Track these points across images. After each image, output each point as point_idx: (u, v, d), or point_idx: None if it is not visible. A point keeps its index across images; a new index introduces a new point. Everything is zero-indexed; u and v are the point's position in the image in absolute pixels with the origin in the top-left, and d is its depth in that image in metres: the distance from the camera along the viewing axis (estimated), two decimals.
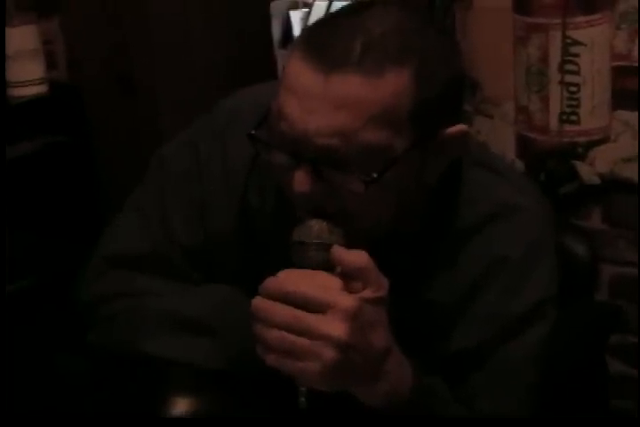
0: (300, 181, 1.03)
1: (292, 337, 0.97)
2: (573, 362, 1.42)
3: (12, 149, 2.21)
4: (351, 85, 1.00)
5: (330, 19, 1.08)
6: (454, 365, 1.14)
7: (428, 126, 1.04)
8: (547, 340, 1.16)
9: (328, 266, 1.01)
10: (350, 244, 1.03)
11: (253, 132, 1.08)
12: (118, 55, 2.41)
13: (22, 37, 2.27)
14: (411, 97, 1.02)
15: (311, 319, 0.97)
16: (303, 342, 0.96)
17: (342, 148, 1.01)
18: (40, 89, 2.30)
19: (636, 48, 2.15)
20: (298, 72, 1.02)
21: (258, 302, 0.99)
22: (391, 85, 1.01)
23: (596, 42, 2.17)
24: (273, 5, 2.99)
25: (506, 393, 1.14)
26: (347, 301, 0.98)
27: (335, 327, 0.96)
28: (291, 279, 0.99)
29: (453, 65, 1.07)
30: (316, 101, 1.00)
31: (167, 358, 1.14)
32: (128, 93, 2.43)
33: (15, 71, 2.26)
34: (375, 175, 1.02)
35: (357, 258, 1.00)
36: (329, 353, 0.96)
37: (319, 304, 0.97)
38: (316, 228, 1.03)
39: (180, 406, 1.13)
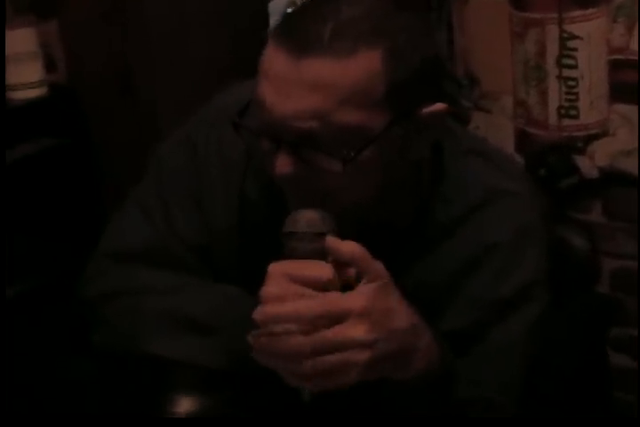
0: (282, 163, 1.05)
1: (327, 361, 0.95)
2: (574, 355, 1.42)
3: (12, 152, 2.21)
4: (323, 68, 1.01)
5: (305, 5, 1.10)
6: None
7: (404, 106, 1.06)
8: (539, 323, 1.17)
9: (319, 255, 1.00)
10: (341, 232, 1.03)
11: (237, 120, 1.10)
12: (117, 56, 2.41)
13: (20, 40, 2.26)
14: (384, 78, 1.03)
15: (335, 334, 0.96)
16: (338, 358, 0.96)
17: (320, 129, 1.03)
18: (39, 92, 2.29)
19: (633, 41, 2.15)
20: (271, 58, 1.05)
21: (293, 344, 0.96)
22: (363, 67, 1.02)
23: (593, 35, 2.17)
24: (271, 4, 2.98)
25: (494, 376, 1.14)
26: (356, 303, 0.97)
27: (358, 331, 0.96)
28: (292, 301, 0.97)
29: (427, 46, 1.09)
30: (290, 86, 1.03)
31: (170, 357, 1.15)
32: (127, 95, 2.43)
33: (14, 74, 2.25)
34: (352, 154, 1.03)
35: (352, 247, 1.00)
36: (362, 356, 0.96)
37: (335, 317, 0.96)
38: (306, 217, 1.03)
39: (183, 406, 1.13)
